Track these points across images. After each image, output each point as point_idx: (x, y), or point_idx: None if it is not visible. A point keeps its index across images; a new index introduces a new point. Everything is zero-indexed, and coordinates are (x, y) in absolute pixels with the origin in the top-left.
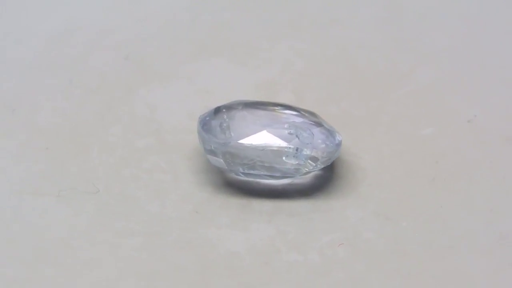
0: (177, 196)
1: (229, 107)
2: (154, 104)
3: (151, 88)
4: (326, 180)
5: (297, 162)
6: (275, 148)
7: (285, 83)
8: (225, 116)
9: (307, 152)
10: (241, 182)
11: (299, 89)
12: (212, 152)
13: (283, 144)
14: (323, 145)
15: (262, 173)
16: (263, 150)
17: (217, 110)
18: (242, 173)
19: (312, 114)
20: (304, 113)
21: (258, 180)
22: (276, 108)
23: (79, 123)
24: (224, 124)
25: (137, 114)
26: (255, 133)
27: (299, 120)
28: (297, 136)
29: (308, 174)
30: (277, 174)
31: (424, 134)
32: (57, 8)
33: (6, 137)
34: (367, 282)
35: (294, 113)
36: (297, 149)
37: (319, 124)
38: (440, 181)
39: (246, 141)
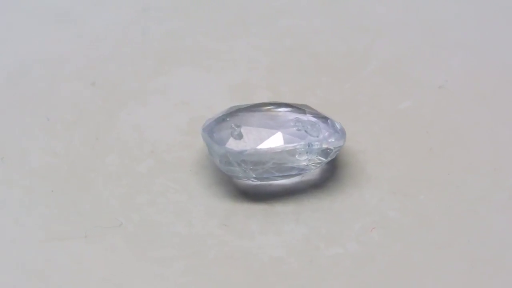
0: (199, 213)
1: (230, 115)
2: (139, 125)
3: (130, 109)
4: (332, 170)
5: (309, 158)
6: (291, 148)
7: (257, 81)
8: (232, 125)
9: (317, 146)
10: (255, 187)
11: (273, 85)
12: (228, 163)
13: (297, 142)
14: (331, 136)
15: (275, 174)
16: (281, 152)
17: (220, 120)
18: (255, 178)
19: (306, 106)
20: (299, 107)
21: (270, 182)
22: (271, 107)
23: (73, 159)
24: (236, 133)
25: (126, 139)
26: (268, 136)
27: (301, 115)
28: (305, 131)
29: (317, 167)
30: (290, 173)
31: (404, 107)
32: (7, 43)
33: (6, 187)
34: (410, 259)
35: (291, 109)
36: (308, 145)
37: (320, 116)
38: (438, 150)
39: (263, 145)
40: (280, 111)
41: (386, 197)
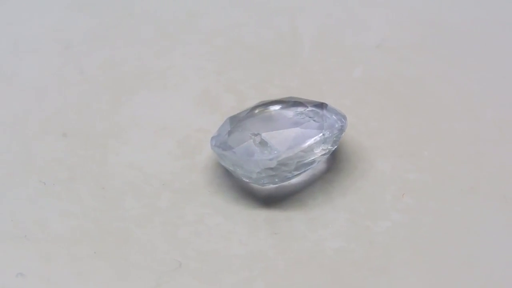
0: (245, 230)
1: (235, 127)
2: (133, 162)
3: (115, 150)
4: (333, 154)
5: (323, 148)
6: (315, 141)
7: (215, 87)
8: (250, 134)
9: (330, 134)
10: (276, 190)
11: (234, 88)
12: (261, 172)
13: (315, 134)
14: (336, 122)
15: (294, 174)
16: (307, 147)
17: (228, 135)
18: (278, 180)
19: (293, 98)
20: (288, 100)
21: (284, 183)
22: (263, 108)
23: (93, 215)
24: (258, 141)
25: (131, 179)
26: (290, 135)
27: (299, 108)
28: (314, 120)
29: (325, 157)
30: (306, 169)
31: (357, 77)
32: None
33: (46, 261)
34: (452, 208)
35: (282, 105)
36: (323, 134)
37: (315, 103)
38: (413, 105)
39: (293, 145)
40: (275, 110)
41: (396, 163)
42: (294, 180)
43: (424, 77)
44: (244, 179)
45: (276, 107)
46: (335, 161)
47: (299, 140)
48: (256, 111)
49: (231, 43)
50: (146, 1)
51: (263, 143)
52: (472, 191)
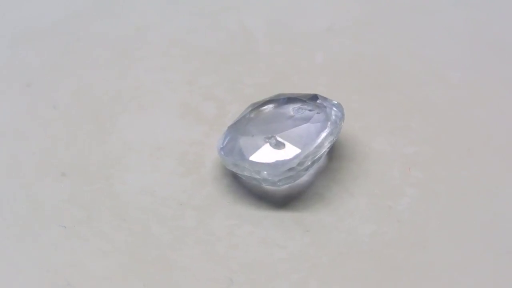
0: (278, 233)
1: (243, 134)
2: (144, 188)
3: (120, 180)
4: (335, 147)
5: (329, 140)
6: (325, 135)
7: (195, 98)
8: (264, 139)
9: (335, 124)
10: (290, 188)
11: (211, 95)
12: (280, 176)
13: (326, 126)
14: (335, 111)
15: (308, 170)
16: (321, 141)
17: (237, 145)
18: (293, 180)
19: (284, 94)
20: (280, 97)
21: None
22: (259, 110)
23: (126, 248)
24: (274, 143)
25: (145, 205)
26: (303, 133)
27: (296, 104)
28: (318, 113)
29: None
30: (315, 164)
31: (321, 61)
32: None
33: None
34: (455, 177)
35: (275, 103)
36: (330, 125)
37: (309, 96)
38: (396, 89)
39: (308, 143)
40: (272, 109)
41: (391, 140)
42: (304, 179)
43: (384, 52)
44: (263, 184)
45: (270, 106)
46: (333, 149)
47: (312, 135)
48: (252, 115)
49: (188, 51)
50: (89, 24)
51: (280, 145)
52: (470, 153)
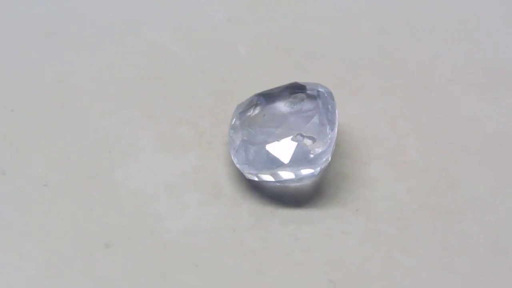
0: (335, 224)
1: (254, 144)
2: (190, 229)
3: (159, 224)
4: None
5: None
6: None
7: (166, 127)
8: (292, 139)
9: (331, 104)
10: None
11: (183, 120)
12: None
13: (327, 109)
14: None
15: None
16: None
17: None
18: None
19: (261, 93)
20: (261, 98)
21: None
22: (248, 116)
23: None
24: (302, 140)
25: (202, 240)
26: (315, 126)
27: (291, 98)
28: (311, 99)
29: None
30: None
31: (245, 54)
32: None
33: None
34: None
35: (260, 106)
36: (330, 106)
37: (297, 85)
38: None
39: (329, 132)
40: (269, 109)
41: (388, 126)
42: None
43: (309, 33)
44: (286, 184)
45: (257, 111)
46: (347, 150)
47: (325, 123)
48: (253, 122)
49: (126, 85)
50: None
51: (311, 139)
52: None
